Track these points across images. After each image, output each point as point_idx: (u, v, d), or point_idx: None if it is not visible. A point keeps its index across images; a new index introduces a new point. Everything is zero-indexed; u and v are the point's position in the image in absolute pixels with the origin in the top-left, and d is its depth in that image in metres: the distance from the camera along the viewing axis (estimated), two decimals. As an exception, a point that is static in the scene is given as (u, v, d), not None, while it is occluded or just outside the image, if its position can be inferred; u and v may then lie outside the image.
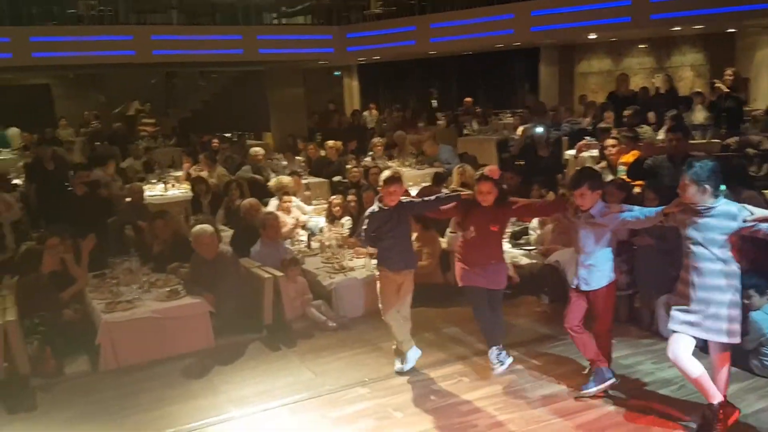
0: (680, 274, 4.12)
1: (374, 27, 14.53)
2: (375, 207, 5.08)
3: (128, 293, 6.00)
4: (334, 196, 8.51)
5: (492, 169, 5.10)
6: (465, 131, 14.40)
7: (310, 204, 9.25)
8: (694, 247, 3.98)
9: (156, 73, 18.24)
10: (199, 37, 13.50)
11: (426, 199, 5.28)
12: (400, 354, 5.22)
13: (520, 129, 10.55)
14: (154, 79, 18.02)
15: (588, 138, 10.73)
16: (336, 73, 21.07)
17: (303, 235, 7.99)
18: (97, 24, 12.90)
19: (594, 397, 4.60)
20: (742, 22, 12.01)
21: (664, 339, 5.47)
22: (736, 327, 3.96)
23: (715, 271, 3.93)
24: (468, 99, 16.69)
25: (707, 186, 3.87)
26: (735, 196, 4.47)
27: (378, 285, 5.21)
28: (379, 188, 5.18)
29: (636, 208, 4.47)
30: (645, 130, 10.17)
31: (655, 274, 5.64)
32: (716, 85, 10.79)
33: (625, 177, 7.33)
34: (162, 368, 5.51)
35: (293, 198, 8.59)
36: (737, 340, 4.00)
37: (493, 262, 5.06)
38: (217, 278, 6.00)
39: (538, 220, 7.00)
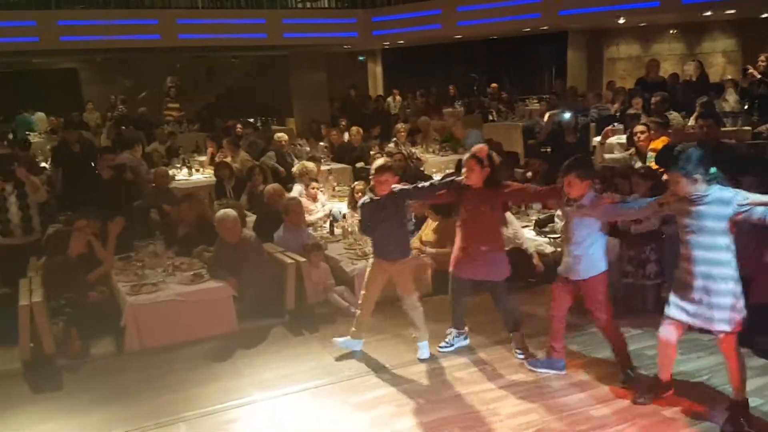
0: (679, 262, 4.10)
1: (399, 10, 14.40)
2: (367, 197, 5.06)
3: (153, 276, 6.06)
4: (356, 182, 8.48)
5: (480, 147, 5.01)
6: (490, 117, 14.26)
7: (333, 190, 9.23)
8: (690, 236, 3.97)
9: (180, 57, 18.32)
10: (224, 21, 13.51)
11: (420, 185, 5.19)
12: (355, 336, 5.30)
13: (547, 115, 10.40)
14: (179, 64, 18.09)
15: (615, 124, 10.56)
16: (360, 57, 20.98)
17: (326, 221, 7.99)
18: (124, 8, 12.97)
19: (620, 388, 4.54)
20: (777, 6, 11.69)
21: (693, 329, 5.41)
22: (736, 316, 3.91)
23: (713, 260, 3.90)
24: (494, 84, 16.52)
25: (697, 175, 3.86)
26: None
27: (367, 272, 5.23)
28: (371, 177, 5.10)
29: (630, 198, 4.49)
30: (674, 116, 9.98)
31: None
32: (749, 71, 10.54)
33: (653, 164, 7.20)
34: (186, 351, 5.56)
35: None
36: (735, 327, 3.93)
37: (484, 248, 4.95)
38: (240, 263, 6.02)
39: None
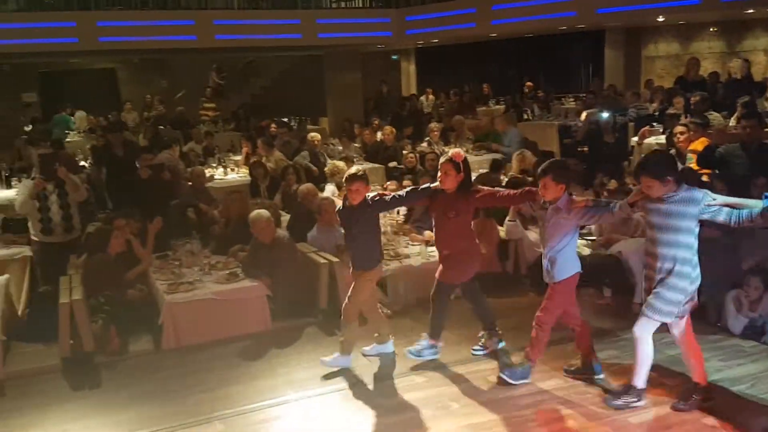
0: (645, 259, 4.26)
1: (434, 9, 14.32)
2: (340, 205, 5.04)
3: (190, 275, 6.13)
4: (389, 182, 8.47)
5: (457, 152, 4.94)
6: (525, 116, 14.12)
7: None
8: (656, 233, 4.09)
9: (216, 58, 18.50)
10: (259, 22, 13.59)
11: (395, 194, 5.13)
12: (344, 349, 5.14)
13: (584, 114, 10.26)
14: (215, 64, 18.27)
15: (654, 124, 10.36)
16: (394, 57, 20.95)
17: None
18: (161, 9, 13.14)
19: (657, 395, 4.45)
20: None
21: (732, 335, 5.29)
22: (671, 309, 4.10)
23: (677, 257, 4.04)
24: (529, 83, 16.34)
25: (669, 177, 3.99)
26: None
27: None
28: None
29: (603, 200, 4.56)
30: (715, 116, 9.75)
31: (722, 267, 5.42)
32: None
33: (693, 165, 7.05)
34: (221, 349, 5.61)
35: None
36: (665, 319, 4.15)
37: (446, 252, 4.96)
38: (274, 262, 6.06)
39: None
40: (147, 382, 5.12)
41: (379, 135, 12.05)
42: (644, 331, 4.22)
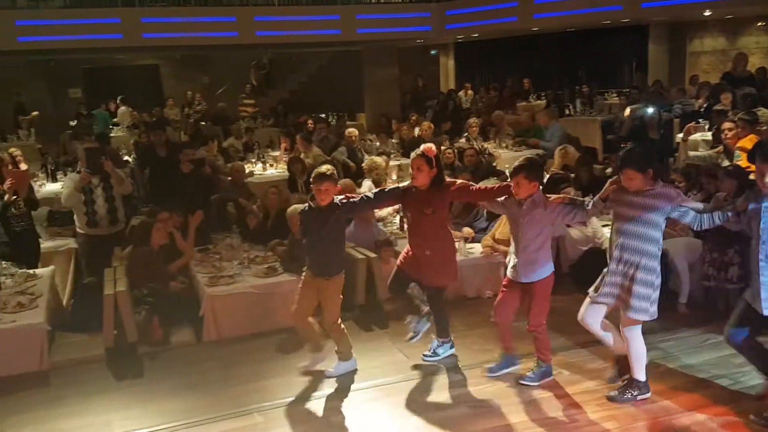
0: (611, 251, 4.27)
1: (474, 3, 14.20)
2: (306, 205, 4.82)
3: (230, 268, 6.19)
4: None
5: (429, 147, 4.76)
6: (567, 111, 13.92)
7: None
8: (626, 224, 4.15)
9: (256, 54, 18.68)
10: (299, 18, 13.67)
11: (364, 196, 4.94)
12: (314, 351, 5.03)
13: (628, 110, 10.05)
14: (255, 61, 18.45)
15: (700, 120, 10.11)
16: (432, 51, 20.85)
17: (395, 216, 7.96)
18: (203, 5, 13.31)
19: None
20: None
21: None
22: (647, 306, 4.15)
23: (644, 251, 4.10)
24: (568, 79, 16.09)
25: (650, 170, 4.07)
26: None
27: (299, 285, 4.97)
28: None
29: (578, 198, 4.55)
30: (763, 112, 9.46)
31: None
32: None
33: (742, 162, 6.84)
34: (260, 342, 5.65)
35: (366, 182, 8.57)
36: (647, 318, 4.20)
37: (428, 253, 4.75)
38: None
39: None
40: (188, 373, 5.19)
41: (416, 130, 12.00)
42: (632, 331, 4.27)
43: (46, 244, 7.23)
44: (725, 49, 15.25)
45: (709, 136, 8.92)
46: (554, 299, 5.40)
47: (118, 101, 16.88)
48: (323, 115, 15.35)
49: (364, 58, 16.21)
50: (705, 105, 10.89)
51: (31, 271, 6.34)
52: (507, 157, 10.49)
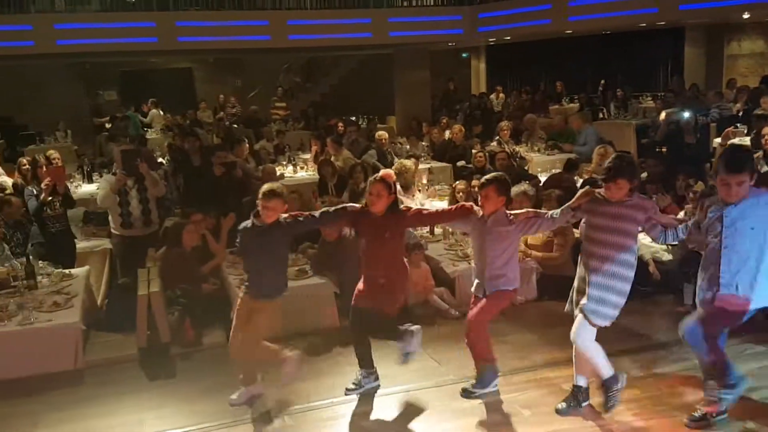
0: (582, 259, 4.22)
1: (507, 6, 14.08)
2: (249, 222, 4.54)
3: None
4: (458, 182, 8.36)
5: (388, 173, 4.59)
6: (600, 115, 13.74)
7: (426, 189, 9.15)
8: (601, 234, 4.10)
9: (288, 57, 18.82)
10: (331, 21, 13.71)
11: (310, 215, 4.65)
12: (246, 383, 4.74)
13: (664, 113, 9.87)
14: (286, 64, 18.60)
15: (738, 125, 9.89)
16: (464, 54, 20.77)
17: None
18: (237, 9, 13.43)
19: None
20: None
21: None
22: (615, 314, 4.13)
23: (619, 260, 4.06)
24: (603, 81, 15.89)
25: (636, 180, 4.12)
26: None
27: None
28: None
29: (542, 211, 4.50)
30: (806, 117, 9.24)
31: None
32: None
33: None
34: (290, 345, 5.63)
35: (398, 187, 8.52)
36: (607, 324, 4.16)
37: (382, 281, 4.54)
38: (340, 260, 6.07)
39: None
40: (220, 373, 5.20)
41: (447, 133, 11.95)
42: (585, 337, 4.18)
43: (81, 245, 7.35)
44: (764, 52, 14.92)
45: (747, 141, 8.72)
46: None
47: (149, 104, 17.09)
48: (354, 118, 15.38)
49: (396, 60, 16.21)
50: (743, 109, 10.67)
51: (66, 271, 6.45)
52: (539, 160, 10.40)
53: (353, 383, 4.78)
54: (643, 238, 6.54)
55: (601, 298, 4.09)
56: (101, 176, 9.20)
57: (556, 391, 4.64)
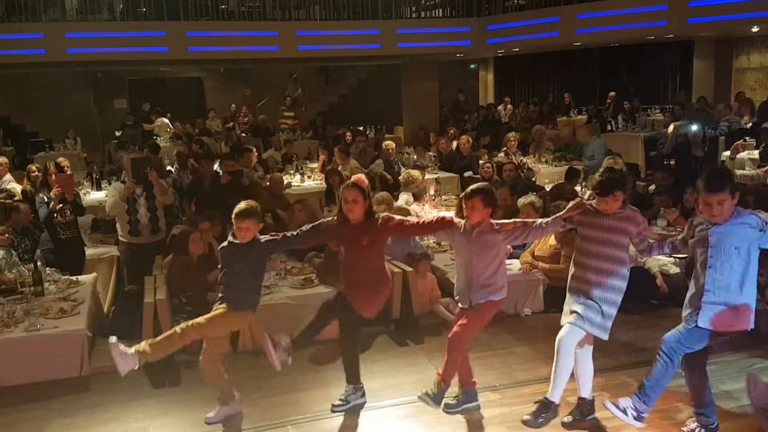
0: (575, 272, 4.25)
1: (515, 18, 14.12)
2: (226, 242, 4.53)
3: (266, 279, 6.19)
4: (464, 192, 8.35)
5: (359, 177, 4.55)
6: (608, 127, 13.73)
7: (433, 199, 9.15)
8: (594, 246, 4.14)
9: (297, 67, 18.91)
10: (340, 32, 13.77)
11: (288, 234, 4.58)
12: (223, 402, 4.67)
13: (672, 126, 9.87)
14: (294, 74, 18.69)
15: (747, 138, 9.86)
16: (472, 66, 20.83)
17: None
18: (247, 20, 13.52)
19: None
20: None
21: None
22: (608, 325, 4.16)
23: (613, 272, 4.10)
24: (612, 93, 15.89)
25: (628, 189, 4.20)
26: None
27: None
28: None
29: (530, 220, 4.46)
30: (816, 131, 9.20)
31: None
32: None
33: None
34: (295, 353, 5.51)
35: (402, 194, 8.55)
36: (605, 337, 4.19)
37: (363, 288, 4.50)
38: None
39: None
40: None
41: (454, 144, 11.96)
42: (587, 350, 4.25)
43: (89, 251, 7.39)
44: (773, 66, 14.92)
45: (756, 154, 8.70)
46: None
47: (155, 113, 17.20)
48: (362, 128, 15.43)
49: (404, 71, 16.27)
50: (753, 122, 10.65)
51: (73, 278, 6.47)
52: (546, 172, 10.40)
53: (340, 400, 4.70)
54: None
55: (595, 309, 4.10)
56: (110, 184, 9.24)
57: (562, 404, 4.61)
